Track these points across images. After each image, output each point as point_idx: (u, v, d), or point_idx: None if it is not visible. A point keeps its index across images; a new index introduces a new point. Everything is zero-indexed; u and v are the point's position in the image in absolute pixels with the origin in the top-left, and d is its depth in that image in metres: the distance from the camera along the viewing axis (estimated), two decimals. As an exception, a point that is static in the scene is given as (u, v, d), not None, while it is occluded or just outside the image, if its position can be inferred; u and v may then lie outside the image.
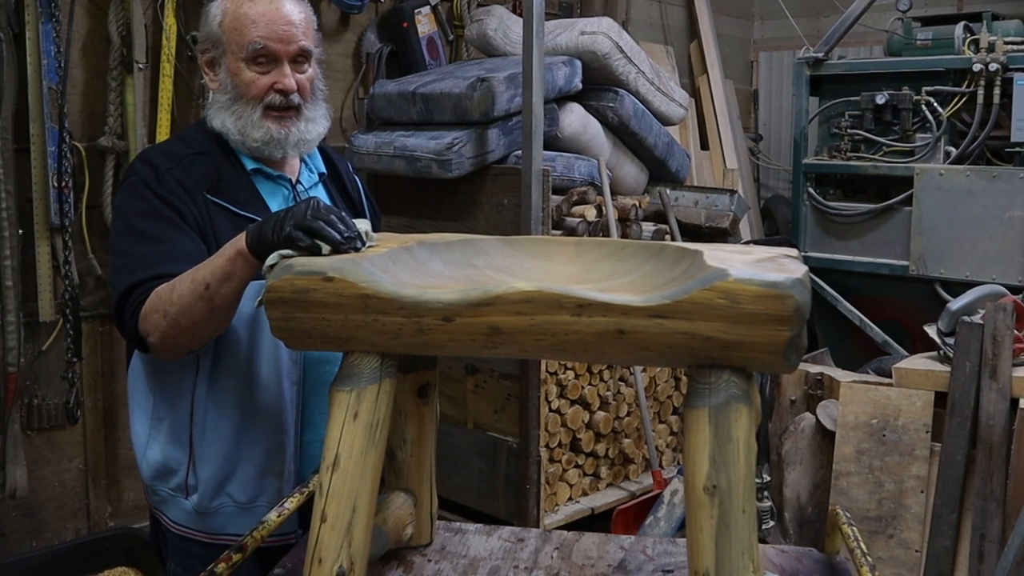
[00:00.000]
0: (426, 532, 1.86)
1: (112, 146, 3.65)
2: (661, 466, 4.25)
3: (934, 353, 3.78)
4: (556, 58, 3.92)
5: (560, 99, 3.95)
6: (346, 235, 1.58)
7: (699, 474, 1.40)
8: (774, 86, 6.05)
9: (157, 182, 1.91)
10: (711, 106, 5.50)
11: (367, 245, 1.63)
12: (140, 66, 3.66)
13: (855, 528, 1.76)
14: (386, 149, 3.85)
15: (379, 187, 4.18)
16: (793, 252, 1.58)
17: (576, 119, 3.99)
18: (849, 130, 4.78)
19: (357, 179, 2.26)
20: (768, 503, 3.63)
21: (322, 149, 2.19)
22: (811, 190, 4.90)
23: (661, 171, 4.36)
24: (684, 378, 4.35)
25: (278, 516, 1.76)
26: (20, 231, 3.45)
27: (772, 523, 3.63)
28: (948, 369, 3.61)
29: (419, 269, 1.63)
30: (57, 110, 3.48)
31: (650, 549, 1.90)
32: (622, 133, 4.15)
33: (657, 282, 1.56)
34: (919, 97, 4.54)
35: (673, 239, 4.16)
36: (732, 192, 4.19)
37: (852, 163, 4.77)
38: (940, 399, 3.64)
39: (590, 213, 3.89)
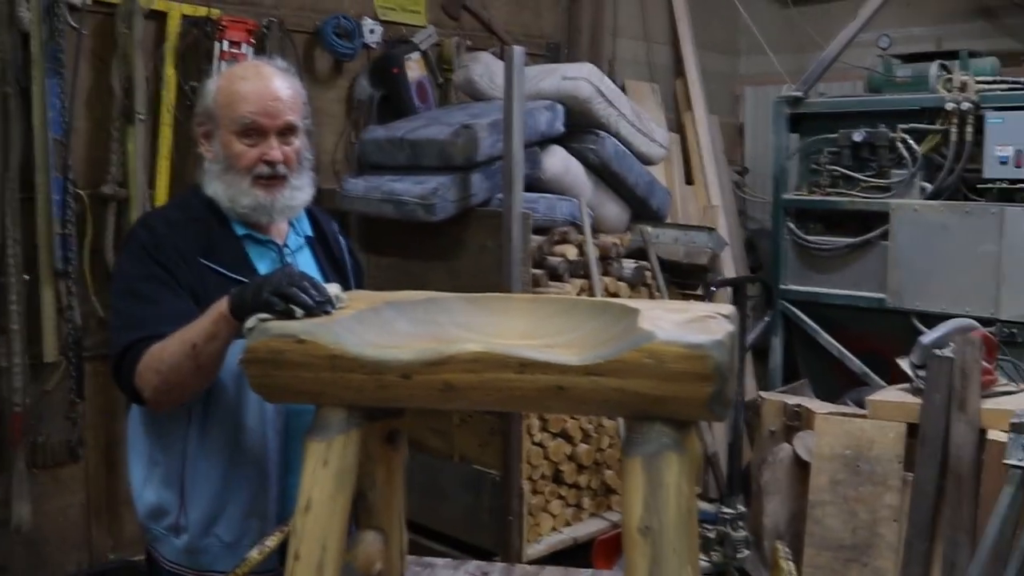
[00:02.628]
0: (396, 568, 2.00)
1: (114, 193, 3.82)
2: (646, 495, 4.37)
3: (907, 385, 3.90)
4: (539, 103, 4.07)
5: (543, 142, 4.11)
6: (318, 300, 1.76)
7: (633, 516, 1.55)
8: (760, 120, 6.19)
9: (155, 247, 2.08)
10: (695, 142, 5.65)
11: (338, 307, 1.79)
12: (141, 117, 3.83)
13: (791, 563, 1.91)
14: (375, 193, 4.01)
15: (370, 230, 4.34)
16: (727, 310, 1.73)
17: (558, 161, 4.15)
18: (828, 166, 4.92)
19: (342, 240, 2.42)
20: (743, 533, 3.76)
21: (310, 212, 2.35)
22: (790, 224, 5.05)
23: (642, 209, 4.51)
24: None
25: (259, 554, 1.91)
26: (26, 276, 3.61)
27: (747, 552, 3.75)
28: (920, 401, 3.73)
29: (385, 328, 1.79)
30: (62, 160, 3.64)
31: (607, 583, 2.04)
32: (604, 173, 4.31)
33: (600, 339, 1.72)
34: (895, 134, 4.67)
35: (654, 276, 4.31)
36: (710, 229, 4.34)
37: (831, 198, 4.91)
38: (913, 430, 3.76)
39: (571, 252, 4.05)
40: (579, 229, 4.15)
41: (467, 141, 3.79)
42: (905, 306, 4.62)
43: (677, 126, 5.81)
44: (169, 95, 3.96)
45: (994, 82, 4.55)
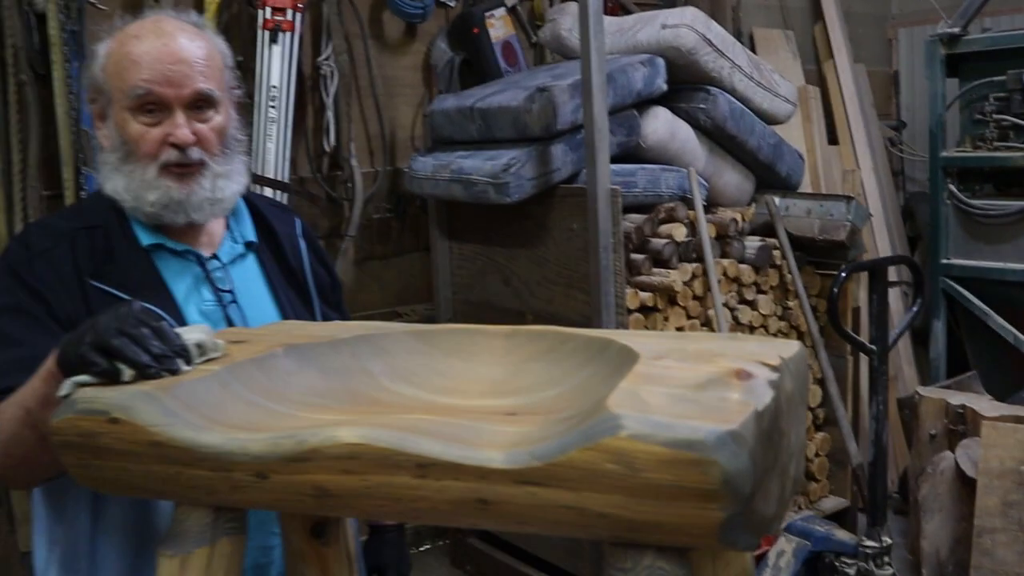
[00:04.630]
0: None
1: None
2: (780, 513, 3.74)
3: (1099, 383, 3.16)
4: (633, 58, 3.46)
5: (642, 103, 3.49)
6: (157, 352, 1.22)
7: None
8: (917, 67, 5.36)
9: (27, 268, 1.58)
10: (839, 95, 4.90)
11: (200, 361, 1.26)
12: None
13: None
14: (443, 172, 3.48)
15: (451, 214, 3.83)
16: (789, 351, 1.11)
17: (661, 125, 3.52)
18: (994, 115, 4.12)
19: (303, 244, 1.87)
20: (890, 571, 3.07)
21: (256, 210, 1.82)
22: (952, 187, 4.26)
23: (769, 177, 3.83)
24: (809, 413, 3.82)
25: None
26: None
27: (893, 595, 3.08)
28: (1115, 404, 2.99)
29: (271, 388, 1.25)
30: (92, 153, 3.24)
31: None
32: (719, 137, 3.65)
33: (592, 397, 1.13)
34: (1076, 74, 3.85)
35: (783, 255, 3.64)
36: (849, 199, 3.62)
37: (999, 154, 4.11)
38: (1107, 440, 3.02)
39: (679, 232, 3.42)
40: (689, 204, 3.52)
41: (544, 107, 3.21)
42: (1096, 282, 3.80)
43: (818, 78, 5.05)
44: (215, 73, 3.52)
45: None
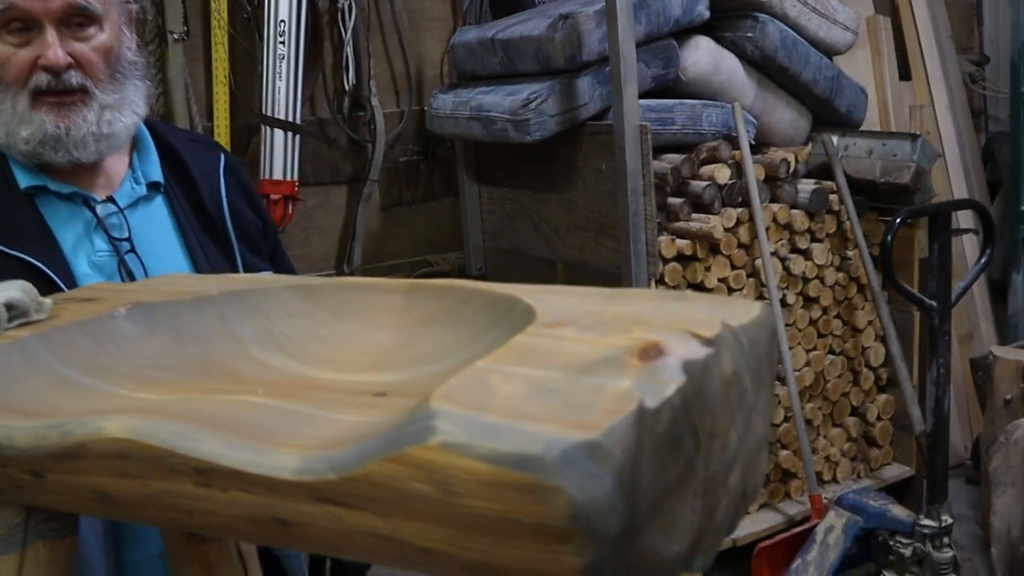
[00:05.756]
0: None
1: (154, 128, 3.20)
2: (835, 480, 3.44)
3: None
4: (672, -18, 3.13)
5: (681, 32, 3.17)
6: None
7: None
8: (1003, -6, 4.92)
9: None
10: (912, 26, 4.48)
11: (16, 323, 1.02)
12: (175, 36, 3.17)
13: None
14: (462, 110, 3.20)
15: (479, 155, 3.56)
16: (747, 315, 0.80)
17: (704, 56, 3.19)
18: (1085, 43, 3.71)
19: (223, 182, 1.60)
20: (949, 553, 2.75)
21: (167, 145, 1.57)
22: (1035, 124, 3.87)
23: (827, 113, 3.48)
24: (863, 370, 3.48)
25: None
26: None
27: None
28: None
29: (98, 359, 1.00)
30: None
31: None
32: (769, 69, 3.31)
33: None
34: None
35: (841, 200, 3.30)
36: (915, 137, 3.26)
37: (1090, 86, 3.71)
38: None
39: (722, 174, 3.11)
40: (735, 143, 3.20)
41: (568, 35, 2.91)
42: None
43: (889, 8, 4.64)
44: (220, 8, 3.29)
45: None
